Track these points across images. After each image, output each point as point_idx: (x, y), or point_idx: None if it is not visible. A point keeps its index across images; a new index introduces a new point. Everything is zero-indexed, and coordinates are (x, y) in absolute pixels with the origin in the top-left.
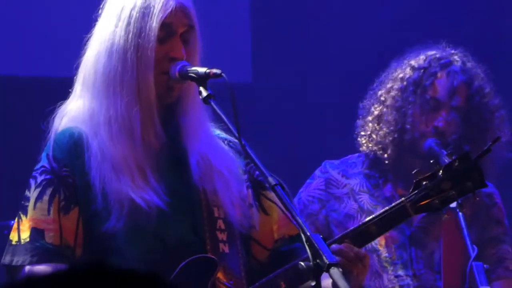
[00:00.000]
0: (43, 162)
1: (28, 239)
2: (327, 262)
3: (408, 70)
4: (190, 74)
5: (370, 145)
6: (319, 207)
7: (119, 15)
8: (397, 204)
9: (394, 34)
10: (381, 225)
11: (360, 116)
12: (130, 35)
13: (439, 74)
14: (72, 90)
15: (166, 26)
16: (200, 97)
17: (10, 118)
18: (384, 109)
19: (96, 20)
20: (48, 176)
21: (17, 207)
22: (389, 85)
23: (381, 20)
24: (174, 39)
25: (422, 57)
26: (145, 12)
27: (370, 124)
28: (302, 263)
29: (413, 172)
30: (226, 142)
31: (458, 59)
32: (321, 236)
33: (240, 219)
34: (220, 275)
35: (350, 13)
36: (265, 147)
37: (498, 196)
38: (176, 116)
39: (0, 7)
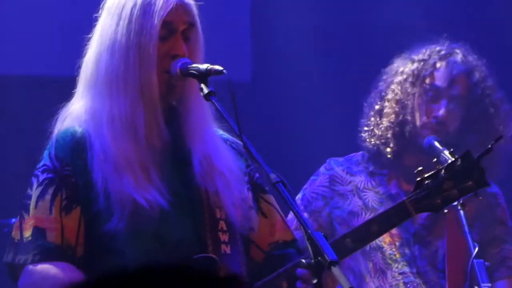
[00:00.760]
0: (45, 161)
1: (30, 238)
2: (329, 260)
3: (408, 64)
4: (191, 71)
5: (372, 140)
6: (323, 204)
7: (119, 14)
8: (398, 204)
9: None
10: (382, 224)
11: (364, 114)
12: (131, 34)
13: (438, 64)
14: (75, 90)
15: (167, 23)
16: (201, 94)
17: (12, 117)
18: (385, 103)
19: (97, 19)
20: (50, 175)
21: (18, 205)
22: (389, 79)
23: (383, 19)
24: (175, 37)
25: (423, 51)
26: (146, 10)
27: (372, 119)
28: (304, 261)
29: (415, 172)
30: (228, 143)
31: (458, 51)
32: (323, 234)
33: (241, 220)
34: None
35: (351, 12)
36: (265, 146)
37: (502, 196)
38: (179, 115)
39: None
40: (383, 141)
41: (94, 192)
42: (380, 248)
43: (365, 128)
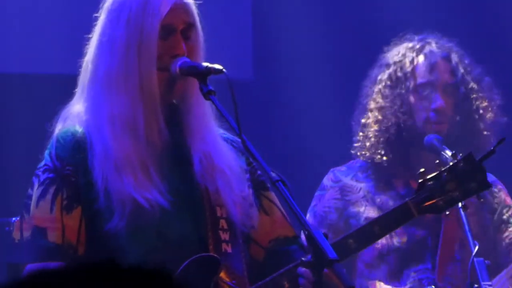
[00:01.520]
0: (46, 160)
1: (30, 238)
2: (329, 258)
3: (384, 70)
4: (190, 70)
5: (364, 152)
6: (337, 216)
7: (119, 14)
8: (401, 205)
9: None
10: (384, 225)
11: (353, 131)
12: (131, 33)
13: (415, 61)
14: (76, 90)
15: (166, 23)
16: (201, 92)
17: (12, 116)
18: (369, 114)
19: (97, 19)
20: (51, 175)
21: (19, 204)
22: (370, 91)
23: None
24: (175, 36)
25: (394, 52)
26: (145, 10)
27: (361, 133)
28: (304, 261)
29: (417, 173)
30: (229, 141)
31: (430, 40)
32: (323, 232)
33: (242, 219)
34: (223, 274)
35: (353, 12)
36: (265, 143)
37: (499, 183)
38: (179, 114)
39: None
40: (374, 151)
41: (94, 191)
42: (396, 250)
43: (355, 145)
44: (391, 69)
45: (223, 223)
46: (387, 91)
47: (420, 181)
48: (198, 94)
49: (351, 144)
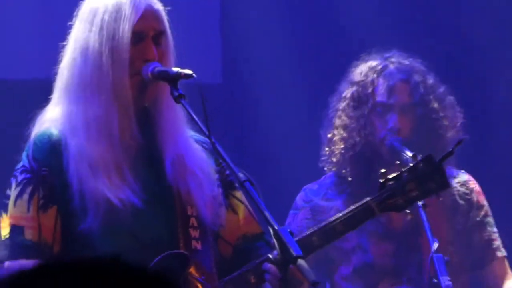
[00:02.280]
0: (24, 162)
1: (8, 236)
2: (294, 255)
3: (349, 87)
4: (161, 75)
5: (331, 167)
6: None
7: (92, 21)
8: (362, 203)
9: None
10: (347, 223)
11: (322, 143)
12: (104, 39)
13: (375, 81)
14: (52, 95)
15: (137, 30)
16: (172, 96)
17: None
18: (335, 131)
19: (71, 27)
20: (28, 175)
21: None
22: (336, 106)
23: (355, 20)
24: (146, 41)
25: (358, 71)
26: (117, 16)
27: (327, 148)
28: (270, 257)
29: (379, 173)
30: (199, 142)
31: (394, 60)
32: (289, 230)
33: (212, 217)
34: (192, 270)
35: (322, 13)
36: (235, 146)
37: (472, 179)
38: (152, 117)
39: None
40: (339, 167)
41: (70, 192)
42: (371, 265)
43: (323, 158)
44: (354, 88)
45: (193, 221)
46: (351, 110)
47: (381, 181)
48: (169, 98)
49: (319, 147)
